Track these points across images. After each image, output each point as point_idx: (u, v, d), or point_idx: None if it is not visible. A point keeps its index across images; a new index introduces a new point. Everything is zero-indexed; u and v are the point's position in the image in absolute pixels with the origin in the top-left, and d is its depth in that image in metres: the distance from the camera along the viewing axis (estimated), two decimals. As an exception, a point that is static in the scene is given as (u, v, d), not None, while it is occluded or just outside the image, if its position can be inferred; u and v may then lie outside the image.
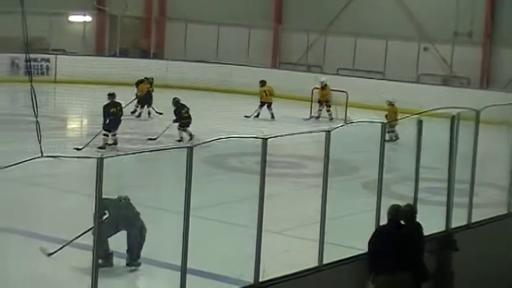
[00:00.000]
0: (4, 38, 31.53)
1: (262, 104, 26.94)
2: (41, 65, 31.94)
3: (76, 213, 12.50)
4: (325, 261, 9.36)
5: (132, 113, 25.15)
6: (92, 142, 19.80)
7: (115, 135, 20.56)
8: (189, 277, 8.13)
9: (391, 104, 23.75)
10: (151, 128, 23.43)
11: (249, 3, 34.90)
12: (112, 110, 20.59)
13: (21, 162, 6.98)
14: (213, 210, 13.70)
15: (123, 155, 8.38)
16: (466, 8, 30.75)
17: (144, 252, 11.29)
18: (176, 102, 22.05)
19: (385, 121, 10.22)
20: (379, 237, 9.30)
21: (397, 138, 21.87)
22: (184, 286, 8.07)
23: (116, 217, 10.98)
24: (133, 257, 11.20)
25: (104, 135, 20.44)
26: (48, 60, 32.21)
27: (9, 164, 6.89)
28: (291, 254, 11.80)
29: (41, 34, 31.41)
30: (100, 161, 7.26)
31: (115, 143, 20.43)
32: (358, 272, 9.46)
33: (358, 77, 30.97)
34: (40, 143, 9.00)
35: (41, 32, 30.93)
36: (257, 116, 26.75)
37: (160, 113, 25.18)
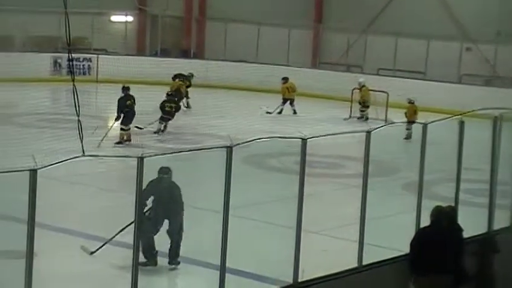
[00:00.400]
0: (47, 37, 31.93)
1: (284, 101, 27.28)
2: (82, 65, 32.24)
3: (116, 212, 12.59)
4: (364, 262, 9.31)
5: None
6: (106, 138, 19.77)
7: (129, 129, 20.66)
8: (228, 276, 8.15)
9: (411, 102, 23.92)
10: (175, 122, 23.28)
11: (289, 2, 34.85)
12: (128, 103, 20.73)
13: (62, 161, 7.04)
14: (252, 210, 13.71)
15: (163, 154, 8.41)
16: (509, 7, 30.37)
17: (183, 251, 11.33)
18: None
19: (424, 121, 10.10)
20: (421, 239, 9.23)
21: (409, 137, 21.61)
22: (223, 285, 8.08)
23: (158, 204, 10.93)
24: (173, 255, 11.23)
25: (121, 129, 20.63)
26: (90, 60, 32.49)
27: (51, 163, 6.95)
28: (330, 254, 11.76)
29: (83, 34, 31.72)
30: (140, 160, 7.30)
31: (129, 139, 20.56)
32: (398, 273, 9.40)
33: (399, 77, 30.76)
34: (82, 142, 9.08)
35: (83, 32, 31.23)
36: (280, 112, 27.08)
37: (187, 107, 25.86)
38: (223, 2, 35.96)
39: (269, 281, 10.42)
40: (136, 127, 21.58)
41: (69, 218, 13.16)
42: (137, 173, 7.39)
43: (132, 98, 21.10)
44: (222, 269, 8.05)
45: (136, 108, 21.02)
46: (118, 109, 20.80)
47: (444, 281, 9.06)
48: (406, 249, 9.27)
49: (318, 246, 11.85)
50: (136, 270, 7.52)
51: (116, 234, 11.07)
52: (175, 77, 26.86)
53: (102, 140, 19.37)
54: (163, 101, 22.45)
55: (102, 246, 11.24)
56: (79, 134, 9.36)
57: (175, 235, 11.18)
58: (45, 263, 10.09)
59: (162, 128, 22.23)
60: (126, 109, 20.73)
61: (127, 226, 10.33)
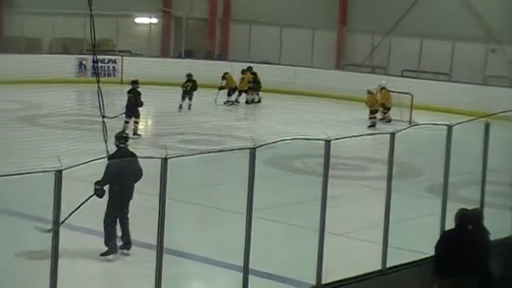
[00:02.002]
0: (72, 39, 32.13)
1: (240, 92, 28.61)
2: (107, 66, 32.41)
3: (140, 213, 12.62)
4: (388, 265, 9.27)
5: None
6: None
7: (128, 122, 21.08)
8: (251, 278, 8.15)
9: (370, 92, 25.42)
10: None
11: (313, 4, 34.80)
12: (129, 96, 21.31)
13: (87, 162, 7.08)
14: (276, 212, 13.69)
15: (187, 155, 8.43)
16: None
17: (206, 253, 11.34)
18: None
19: (449, 123, 10.06)
20: (446, 241, 9.17)
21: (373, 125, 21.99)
22: (247, 286, 8.08)
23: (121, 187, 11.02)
24: (125, 233, 11.32)
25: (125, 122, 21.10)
26: (114, 61, 32.67)
27: (76, 164, 6.99)
28: (354, 256, 11.71)
29: (107, 36, 31.89)
30: (164, 162, 7.32)
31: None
32: (422, 276, 9.35)
33: (423, 79, 30.61)
34: (106, 143, 9.12)
35: (108, 33, 31.39)
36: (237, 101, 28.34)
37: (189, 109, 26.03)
38: (247, 4, 35.99)
39: (292, 282, 10.40)
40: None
41: (93, 219, 13.20)
42: (161, 173, 7.41)
43: (137, 93, 21.62)
44: (245, 270, 8.04)
45: (159, 109, 21.13)
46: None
47: (470, 284, 8.99)
48: (430, 252, 9.21)
49: (341, 249, 11.80)
50: (159, 271, 7.54)
51: (80, 205, 11.05)
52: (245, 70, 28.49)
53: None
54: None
55: (65, 219, 11.14)
56: (103, 135, 9.40)
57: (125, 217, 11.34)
58: (69, 263, 10.15)
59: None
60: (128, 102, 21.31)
61: (86, 200, 10.40)
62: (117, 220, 11.37)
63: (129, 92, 21.77)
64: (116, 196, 11.13)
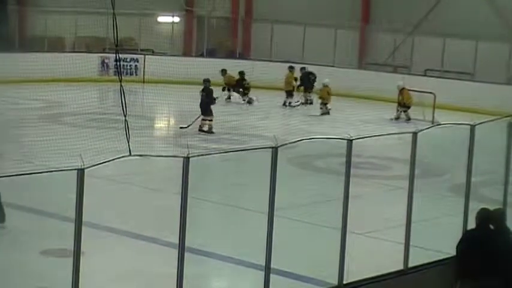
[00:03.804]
0: (95, 38, 32.29)
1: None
2: (130, 65, 32.52)
3: (162, 212, 12.67)
4: (410, 265, 9.24)
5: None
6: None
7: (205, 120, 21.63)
8: (273, 277, 8.15)
9: (325, 85, 26.63)
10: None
11: (336, 3, 34.73)
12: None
13: (109, 161, 7.11)
14: (298, 211, 13.69)
15: (208, 154, 8.45)
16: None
17: (228, 252, 11.36)
18: None
19: (472, 123, 10.01)
20: (467, 242, 9.11)
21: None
22: (268, 286, 8.09)
23: None
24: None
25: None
26: (137, 60, 32.77)
27: (99, 163, 7.02)
28: (375, 256, 11.69)
29: (130, 35, 32.00)
30: (186, 160, 7.34)
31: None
32: (444, 276, 9.31)
33: (446, 78, 30.45)
34: (128, 141, 9.14)
35: (131, 32, 31.50)
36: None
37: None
38: (269, 3, 35.98)
39: (314, 282, 10.39)
40: (181, 127, 21.85)
41: (116, 217, 13.27)
42: (183, 172, 7.43)
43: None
44: (267, 269, 8.05)
45: (182, 108, 21.21)
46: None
47: (492, 284, 8.94)
48: (452, 251, 9.17)
49: (363, 248, 11.78)
50: (181, 270, 7.56)
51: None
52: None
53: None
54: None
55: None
56: (126, 133, 9.42)
57: None
58: (91, 261, 10.20)
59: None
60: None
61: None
62: None
63: (202, 90, 22.31)
64: None
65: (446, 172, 18.35)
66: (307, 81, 29.04)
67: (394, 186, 16.27)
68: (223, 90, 28.49)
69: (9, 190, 11.87)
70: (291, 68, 29.34)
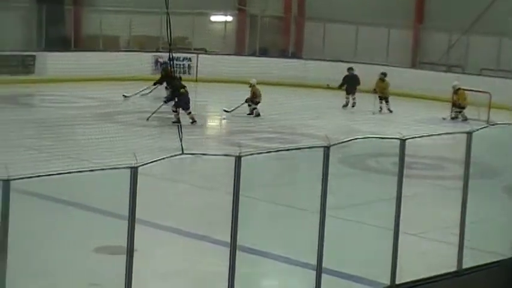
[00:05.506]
0: (149, 37, 32.57)
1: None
2: (183, 64, 32.72)
3: (214, 210, 12.72)
4: (464, 266, 9.13)
5: None
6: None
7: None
8: (324, 277, 8.13)
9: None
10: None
11: (389, 2, 34.48)
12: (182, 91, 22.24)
13: (163, 159, 7.17)
14: (349, 211, 13.63)
15: (260, 153, 8.44)
16: None
17: (280, 251, 11.35)
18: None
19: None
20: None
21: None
22: (320, 285, 8.07)
23: None
24: None
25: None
26: (190, 59, 32.96)
27: (151, 161, 7.08)
28: (428, 257, 11.57)
29: (183, 34, 32.20)
30: (238, 159, 7.36)
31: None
32: (499, 277, 9.19)
33: (502, 77, 30.00)
34: (181, 140, 9.20)
35: (184, 31, 31.70)
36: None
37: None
38: (322, 2, 35.87)
39: (366, 282, 10.33)
40: (225, 110, 22.88)
41: (168, 215, 13.37)
42: (235, 171, 7.45)
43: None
44: (319, 269, 8.03)
45: (233, 107, 21.24)
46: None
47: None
48: (507, 253, 9.04)
49: (416, 249, 11.67)
50: (233, 269, 7.58)
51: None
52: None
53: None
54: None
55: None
56: (178, 132, 9.49)
57: None
58: (144, 259, 10.30)
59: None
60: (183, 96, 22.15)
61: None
62: None
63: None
64: None
65: (502, 173, 18.07)
66: (351, 83, 28.39)
67: (448, 186, 16.08)
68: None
69: (64, 188, 12.06)
70: (383, 75, 27.79)
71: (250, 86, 24.84)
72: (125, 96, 24.61)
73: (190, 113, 22.11)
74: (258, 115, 24.46)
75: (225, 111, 23.15)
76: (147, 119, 22.44)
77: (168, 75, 25.01)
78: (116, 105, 25.21)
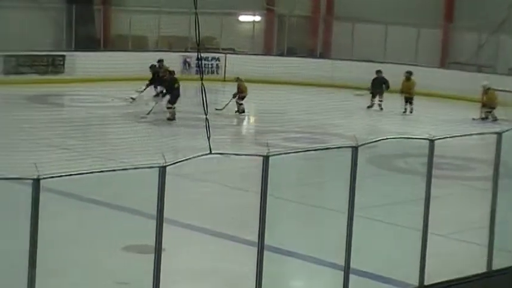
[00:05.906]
0: (178, 37, 32.68)
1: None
2: (211, 64, 32.80)
3: (242, 210, 12.73)
4: (494, 267, 9.06)
5: None
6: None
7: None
8: (352, 277, 8.11)
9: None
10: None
11: (418, 1, 34.29)
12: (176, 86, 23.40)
13: (191, 158, 7.19)
14: (377, 211, 13.57)
15: (288, 153, 8.44)
16: None
17: (307, 251, 11.33)
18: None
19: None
20: None
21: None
22: (347, 285, 8.05)
23: None
24: None
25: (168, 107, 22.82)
26: (218, 59, 33.03)
27: (180, 160, 7.11)
28: (457, 258, 11.49)
29: (212, 34, 32.27)
30: (266, 159, 7.36)
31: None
32: (529, 280, 9.10)
33: (532, 77, 29.71)
34: (209, 140, 9.22)
35: (212, 31, 31.76)
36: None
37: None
38: (350, 1, 35.77)
39: (394, 283, 10.29)
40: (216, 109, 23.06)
41: (196, 214, 13.40)
42: (262, 171, 7.45)
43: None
44: (346, 269, 8.01)
45: (262, 107, 21.25)
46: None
47: None
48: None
49: (445, 249, 11.60)
50: (260, 268, 7.58)
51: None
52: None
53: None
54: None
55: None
56: (207, 132, 9.52)
57: None
58: (172, 258, 10.33)
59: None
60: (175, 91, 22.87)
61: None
62: None
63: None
64: None
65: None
66: (378, 86, 28.16)
67: (477, 187, 15.97)
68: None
69: (93, 187, 12.13)
70: (408, 74, 27.61)
71: (236, 81, 25.08)
72: (133, 99, 24.91)
73: (174, 108, 22.71)
74: (243, 111, 24.59)
75: (216, 109, 23.13)
76: (147, 114, 22.92)
77: (157, 74, 25.56)
78: (143, 105, 25.31)
